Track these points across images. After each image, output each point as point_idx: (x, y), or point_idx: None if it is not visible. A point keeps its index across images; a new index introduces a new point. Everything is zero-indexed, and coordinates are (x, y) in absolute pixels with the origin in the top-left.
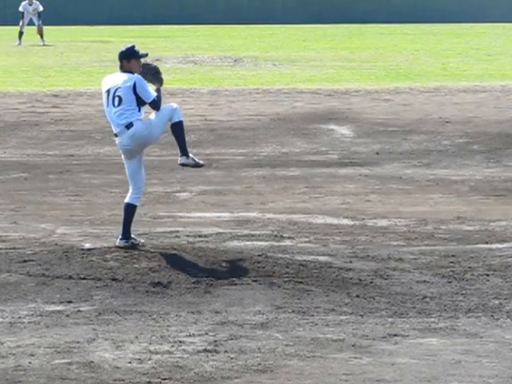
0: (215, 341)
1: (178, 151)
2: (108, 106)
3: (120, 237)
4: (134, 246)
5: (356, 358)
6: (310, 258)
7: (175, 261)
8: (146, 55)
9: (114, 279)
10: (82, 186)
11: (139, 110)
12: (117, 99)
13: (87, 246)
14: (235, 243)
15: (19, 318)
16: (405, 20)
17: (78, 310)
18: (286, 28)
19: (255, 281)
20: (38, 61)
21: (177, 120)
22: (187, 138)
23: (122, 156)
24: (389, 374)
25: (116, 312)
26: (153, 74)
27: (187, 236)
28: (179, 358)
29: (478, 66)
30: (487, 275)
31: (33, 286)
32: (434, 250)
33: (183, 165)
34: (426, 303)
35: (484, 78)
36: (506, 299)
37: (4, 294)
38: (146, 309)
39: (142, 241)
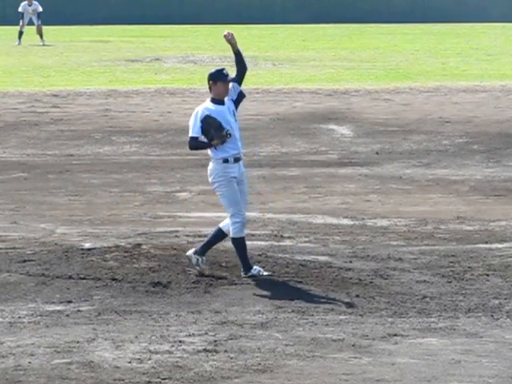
0: (215, 341)
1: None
2: None
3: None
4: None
5: (356, 357)
6: (310, 257)
7: (175, 261)
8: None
9: (113, 279)
10: (81, 186)
11: (215, 150)
12: None
13: (87, 245)
14: None
15: (19, 317)
16: (405, 20)
17: (78, 310)
18: (286, 28)
19: (255, 281)
20: (38, 61)
21: (233, 236)
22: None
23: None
24: (389, 374)
25: (116, 312)
26: (215, 129)
27: (187, 236)
28: (179, 357)
29: (477, 66)
30: (487, 275)
31: (33, 286)
32: (433, 249)
33: (251, 276)
34: (426, 303)
35: (484, 77)
36: (505, 299)
37: (4, 293)
38: (145, 309)
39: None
